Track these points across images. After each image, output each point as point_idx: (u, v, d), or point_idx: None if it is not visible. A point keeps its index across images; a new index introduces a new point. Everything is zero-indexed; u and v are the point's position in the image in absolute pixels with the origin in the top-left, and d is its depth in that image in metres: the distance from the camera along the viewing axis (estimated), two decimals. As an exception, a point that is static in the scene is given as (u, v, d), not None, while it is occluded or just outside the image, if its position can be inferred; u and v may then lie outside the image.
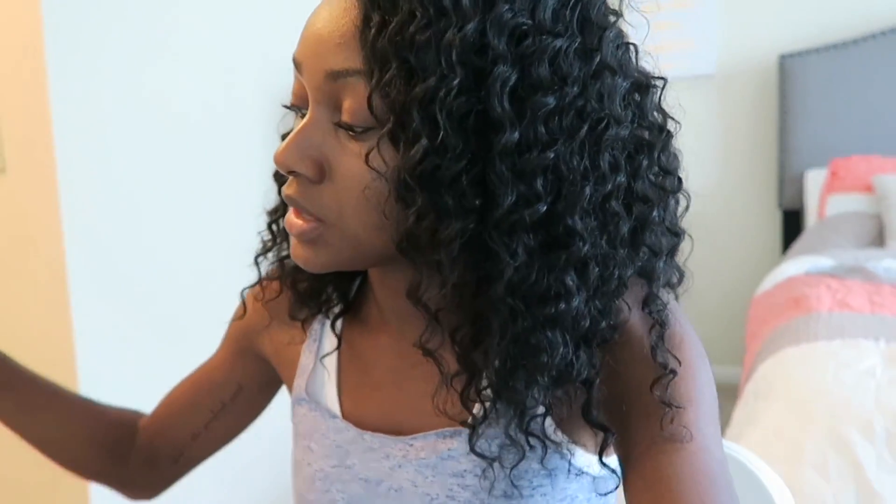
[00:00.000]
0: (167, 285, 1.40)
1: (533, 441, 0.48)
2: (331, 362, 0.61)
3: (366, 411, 0.58)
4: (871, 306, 1.82)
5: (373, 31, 0.41)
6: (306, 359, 0.62)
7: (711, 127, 3.13)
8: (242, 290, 0.66)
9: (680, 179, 0.53)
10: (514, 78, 0.40)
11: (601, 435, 0.47)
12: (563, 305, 0.43)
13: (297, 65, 0.46)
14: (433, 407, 0.50)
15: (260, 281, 0.63)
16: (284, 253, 0.60)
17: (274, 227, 0.59)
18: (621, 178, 0.44)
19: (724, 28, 3.06)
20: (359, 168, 0.44)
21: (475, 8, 0.40)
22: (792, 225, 2.91)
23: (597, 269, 0.44)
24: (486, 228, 0.42)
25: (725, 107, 3.10)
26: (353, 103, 0.43)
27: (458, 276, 0.43)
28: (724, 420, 1.69)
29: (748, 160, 3.08)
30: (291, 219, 0.47)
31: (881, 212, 2.45)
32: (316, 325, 0.62)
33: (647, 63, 0.51)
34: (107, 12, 1.27)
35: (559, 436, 0.51)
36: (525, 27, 0.41)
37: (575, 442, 0.52)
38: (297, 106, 0.49)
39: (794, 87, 2.80)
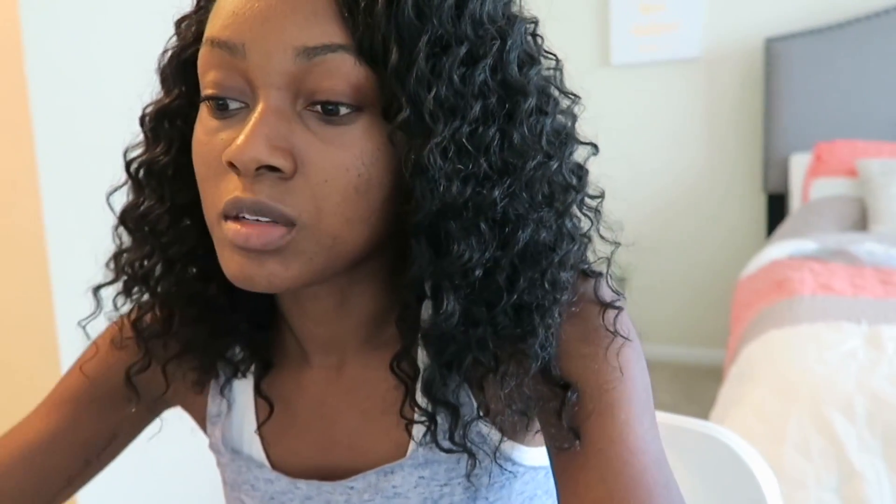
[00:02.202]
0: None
1: (476, 446, 0.47)
2: (247, 406, 0.55)
3: (294, 455, 0.53)
4: (853, 289, 1.84)
5: (377, 4, 0.37)
6: (215, 405, 0.56)
7: (697, 111, 3.14)
8: (82, 322, 0.52)
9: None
10: (520, 48, 0.43)
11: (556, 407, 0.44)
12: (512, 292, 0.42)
13: (234, 46, 0.39)
14: (369, 440, 0.49)
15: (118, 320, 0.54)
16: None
17: (132, 264, 0.49)
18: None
19: (710, 11, 3.06)
20: (342, 156, 0.39)
21: None
22: (776, 209, 2.94)
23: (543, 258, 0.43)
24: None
25: (711, 90, 3.11)
26: (335, 83, 0.38)
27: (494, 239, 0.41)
28: (709, 401, 1.71)
29: (733, 144, 3.09)
30: (248, 230, 0.39)
31: (864, 195, 2.47)
32: (219, 363, 0.54)
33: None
34: (86, 11, 1.25)
35: (499, 438, 0.49)
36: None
37: (519, 442, 0.51)
38: (221, 96, 0.41)
39: (780, 70, 2.81)
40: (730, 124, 3.09)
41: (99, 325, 0.54)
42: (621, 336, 0.45)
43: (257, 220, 0.39)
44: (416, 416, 0.46)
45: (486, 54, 0.40)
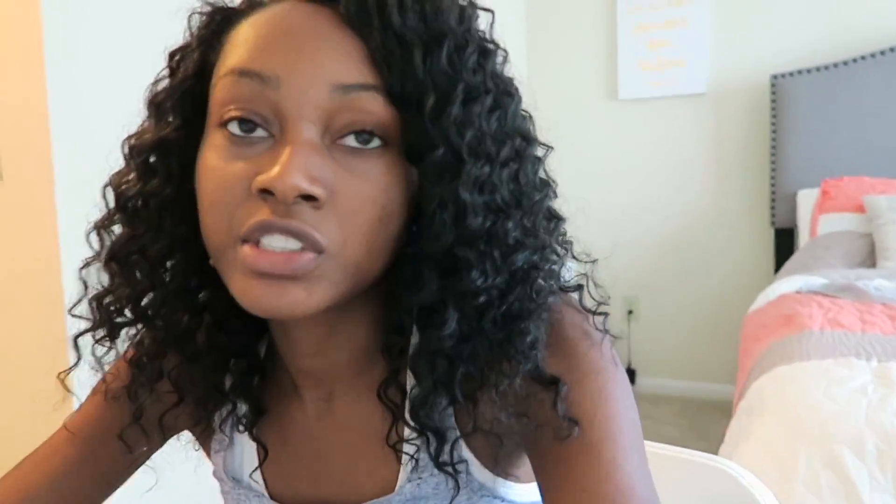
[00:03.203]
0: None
1: (460, 471, 0.47)
2: (246, 440, 0.56)
3: (291, 487, 0.54)
4: (862, 325, 1.83)
5: (415, 53, 0.40)
6: (218, 436, 0.57)
7: (704, 146, 3.16)
8: (60, 374, 0.52)
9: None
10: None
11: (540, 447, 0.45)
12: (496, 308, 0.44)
13: (267, 78, 0.40)
14: (358, 475, 0.50)
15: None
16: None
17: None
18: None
19: (716, 47, 3.10)
20: (368, 189, 0.41)
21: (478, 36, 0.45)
22: (784, 243, 2.94)
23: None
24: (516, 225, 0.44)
25: (718, 126, 3.13)
26: (366, 119, 0.41)
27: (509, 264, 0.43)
28: (717, 437, 1.69)
29: (741, 179, 3.11)
30: (274, 256, 0.39)
31: (872, 231, 2.47)
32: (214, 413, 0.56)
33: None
34: (107, 19, 1.28)
35: (487, 475, 0.50)
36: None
37: (507, 477, 0.51)
38: (244, 134, 0.41)
39: (786, 106, 2.83)
40: (737, 159, 3.11)
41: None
42: (604, 359, 0.46)
43: (284, 249, 0.40)
44: (403, 446, 0.47)
45: (504, 105, 0.44)
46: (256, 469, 0.55)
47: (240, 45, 0.42)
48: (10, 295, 1.30)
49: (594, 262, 0.50)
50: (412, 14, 0.41)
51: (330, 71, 0.40)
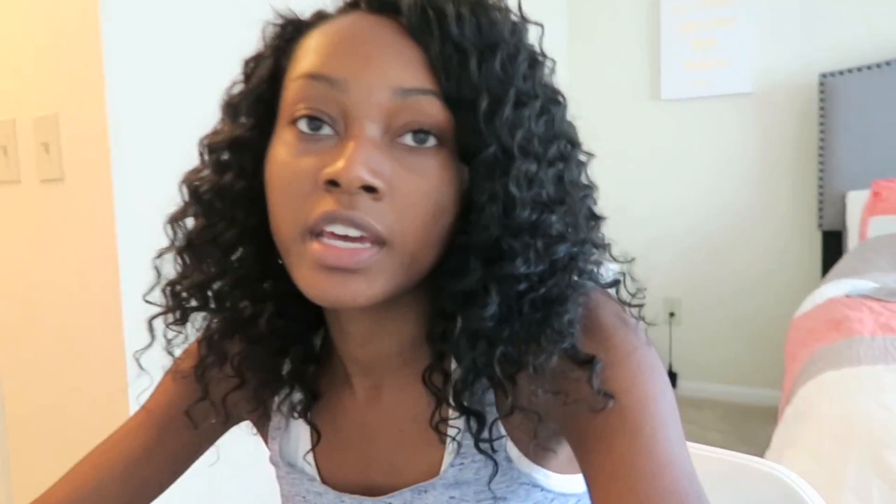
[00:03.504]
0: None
1: (497, 450, 0.50)
2: (301, 425, 0.59)
3: (341, 471, 0.57)
4: (915, 330, 1.78)
5: (471, 60, 0.44)
6: (276, 421, 0.61)
7: (750, 146, 3.11)
8: (136, 353, 0.55)
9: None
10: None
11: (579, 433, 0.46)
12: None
13: (336, 81, 0.44)
14: (404, 461, 0.52)
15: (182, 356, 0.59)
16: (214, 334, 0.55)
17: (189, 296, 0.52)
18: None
19: (763, 46, 3.04)
20: (423, 184, 0.44)
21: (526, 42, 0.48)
22: (832, 246, 2.87)
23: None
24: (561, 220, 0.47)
25: (764, 126, 3.08)
26: (423, 120, 0.44)
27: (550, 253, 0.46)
28: (763, 442, 1.67)
29: (787, 180, 3.05)
30: (339, 251, 0.43)
31: (925, 234, 2.40)
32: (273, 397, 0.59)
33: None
34: (167, 25, 1.33)
35: (525, 462, 0.52)
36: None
37: (546, 465, 0.53)
38: (313, 132, 0.45)
39: (835, 106, 2.77)
40: (783, 160, 3.05)
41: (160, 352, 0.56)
42: (637, 340, 0.48)
43: (346, 238, 0.43)
44: (446, 428, 0.50)
45: (551, 110, 0.48)
46: (310, 451, 0.58)
47: (311, 51, 0.46)
48: (69, 289, 1.36)
49: (631, 261, 0.53)
50: (469, 25, 0.44)
51: (392, 75, 0.44)
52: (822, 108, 2.84)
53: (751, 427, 2.80)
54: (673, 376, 3.31)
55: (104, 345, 1.29)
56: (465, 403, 0.48)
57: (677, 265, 3.24)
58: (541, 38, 0.49)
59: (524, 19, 0.49)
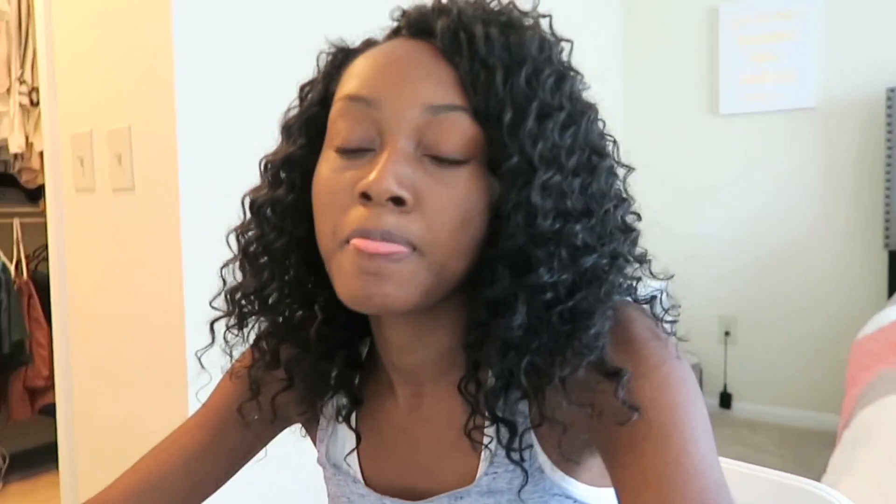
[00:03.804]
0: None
1: (525, 458, 0.50)
2: (348, 429, 0.61)
3: (384, 474, 0.60)
4: None
5: (496, 76, 0.46)
6: (325, 420, 0.63)
7: (812, 162, 3.03)
8: (198, 352, 0.60)
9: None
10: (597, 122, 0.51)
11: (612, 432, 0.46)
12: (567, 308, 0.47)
13: (371, 101, 0.47)
14: (442, 466, 0.54)
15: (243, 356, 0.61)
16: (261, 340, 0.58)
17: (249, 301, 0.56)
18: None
19: (827, 60, 2.97)
20: (452, 194, 0.46)
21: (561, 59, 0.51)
22: (899, 267, 2.76)
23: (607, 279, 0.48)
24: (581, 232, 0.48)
25: (828, 141, 2.99)
26: (453, 135, 0.47)
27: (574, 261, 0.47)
28: (819, 467, 1.62)
29: (852, 198, 2.95)
30: (376, 244, 0.45)
31: None
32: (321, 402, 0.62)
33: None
34: (235, 48, 1.39)
35: (558, 474, 0.52)
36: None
37: (577, 477, 0.53)
38: (351, 146, 0.48)
39: (904, 122, 2.67)
40: (848, 177, 2.96)
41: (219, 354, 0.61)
42: (668, 354, 0.48)
43: (377, 250, 0.45)
44: (479, 435, 0.52)
45: (578, 122, 0.49)
46: (350, 453, 0.61)
47: (353, 76, 0.50)
48: (136, 290, 1.42)
49: (670, 278, 0.54)
50: (497, 44, 0.47)
51: (423, 94, 0.47)
52: (889, 123, 2.74)
53: (809, 452, 2.71)
54: (727, 397, 3.23)
55: (167, 344, 1.35)
56: (498, 413, 0.49)
57: (734, 283, 3.17)
58: (569, 51, 0.52)
59: (557, 37, 0.51)
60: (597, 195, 0.49)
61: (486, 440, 0.52)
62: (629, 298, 0.51)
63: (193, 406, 0.67)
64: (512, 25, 0.48)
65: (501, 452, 0.52)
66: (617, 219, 0.50)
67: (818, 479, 1.53)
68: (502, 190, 0.47)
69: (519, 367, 0.47)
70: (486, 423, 0.52)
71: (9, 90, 2.52)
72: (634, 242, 0.52)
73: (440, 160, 0.47)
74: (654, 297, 0.52)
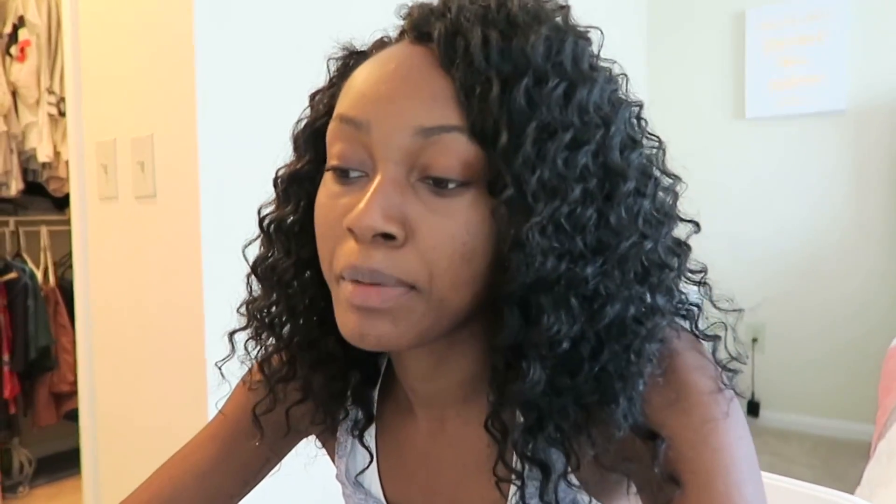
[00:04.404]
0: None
1: (564, 498, 0.46)
2: (370, 443, 0.58)
3: (406, 496, 0.57)
4: None
5: (492, 91, 0.40)
6: (343, 436, 0.60)
7: (842, 166, 2.96)
8: (218, 363, 0.58)
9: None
10: (623, 133, 0.44)
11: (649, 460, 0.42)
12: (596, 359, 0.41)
13: (360, 123, 0.43)
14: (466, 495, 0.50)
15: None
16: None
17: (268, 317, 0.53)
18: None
19: (858, 62, 2.91)
20: (450, 225, 0.41)
21: (592, 70, 0.43)
22: (934, 273, 2.69)
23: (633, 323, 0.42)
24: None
25: (859, 145, 2.93)
26: (448, 159, 0.41)
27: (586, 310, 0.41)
28: (853, 479, 1.57)
29: (884, 203, 2.88)
30: (367, 290, 0.42)
31: None
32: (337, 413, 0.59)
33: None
34: (256, 55, 1.39)
35: (587, 498, 0.49)
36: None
37: None
38: (344, 167, 0.44)
39: (938, 124, 2.60)
40: (880, 181, 2.89)
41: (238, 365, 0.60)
42: (717, 406, 0.43)
43: (373, 284, 0.42)
44: (509, 475, 0.46)
45: (590, 140, 0.42)
46: (364, 470, 0.59)
47: (348, 91, 0.45)
48: (157, 298, 1.43)
49: (740, 311, 0.47)
50: (494, 51, 0.41)
51: (412, 115, 0.42)
52: (922, 126, 2.68)
53: (841, 462, 2.64)
54: (755, 405, 3.16)
55: (188, 350, 1.35)
56: (527, 454, 0.44)
57: (762, 289, 3.11)
58: (596, 52, 0.45)
59: (579, 34, 0.44)
60: (617, 228, 0.42)
61: (515, 479, 0.47)
62: (683, 322, 0.45)
63: (213, 413, 0.66)
64: (514, 25, 0.42)
65: (534, 485, 0.47)
66: (652, 252, 0.43)
67: (850, 492, 1.48)
68: (499, 225, 0.41)
69: (542, 432, 0.42)
70: (516, 459, 0.47)
71: (38, 101, 2.57)
72: (672, 282, 0.45)
73: (436, 186, 0.42)
74: (717, 336, 0.46)
